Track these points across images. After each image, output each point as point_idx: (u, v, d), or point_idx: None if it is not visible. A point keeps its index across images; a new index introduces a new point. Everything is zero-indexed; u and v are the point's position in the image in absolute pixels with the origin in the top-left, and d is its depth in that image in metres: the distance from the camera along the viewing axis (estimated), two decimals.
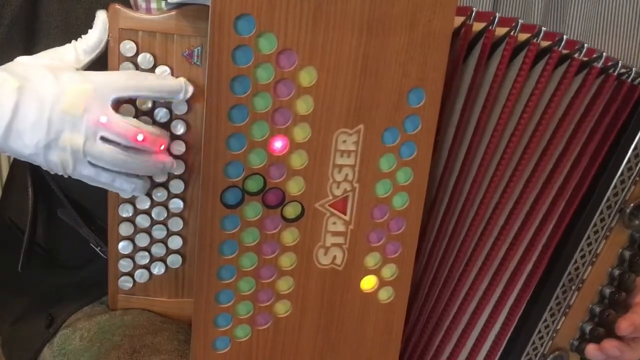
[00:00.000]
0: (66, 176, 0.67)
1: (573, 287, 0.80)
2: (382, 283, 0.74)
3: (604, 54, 0.73)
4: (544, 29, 0.72)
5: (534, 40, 0.72)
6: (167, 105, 0.72)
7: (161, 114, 0.72)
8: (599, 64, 0.73)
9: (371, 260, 0.73)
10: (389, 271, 0.73)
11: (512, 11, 1.07)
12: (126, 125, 0.65)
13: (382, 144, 0.68)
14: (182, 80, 0.69)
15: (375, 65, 0.65)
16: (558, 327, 0.82)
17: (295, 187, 0.68)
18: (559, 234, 0.79)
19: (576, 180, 0.78)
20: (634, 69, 0.74)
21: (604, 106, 0.75)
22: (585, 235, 0.78)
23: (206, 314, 0.71)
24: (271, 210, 0.68)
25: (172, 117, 0.72)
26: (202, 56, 0.71)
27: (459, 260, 0.80)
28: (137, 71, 0.71)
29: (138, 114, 0.71)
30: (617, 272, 0.81)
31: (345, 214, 0.70)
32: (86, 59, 0.68)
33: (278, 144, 0.66)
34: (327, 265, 0.72)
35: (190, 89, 0.70)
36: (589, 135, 0.76)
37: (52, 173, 0.66)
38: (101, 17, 0.69)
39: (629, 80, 0.74)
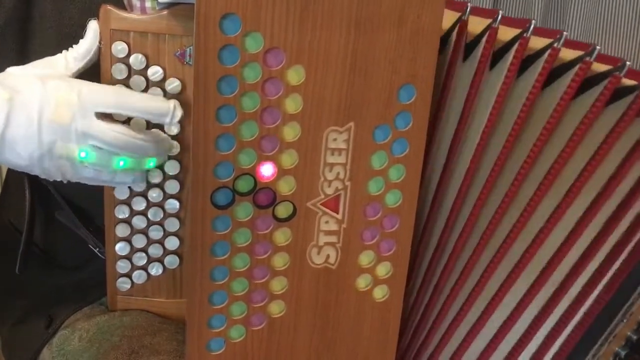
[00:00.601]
0: (65, 182, 0.67)
1: (624, 320, 0.79)
2: (376, 281, 0.73)
3: None
4: (598, 47, 0.61)
5: (588, 59, 0.61)
6: None
7: None
8: None
9: (365, 258, 0.72)
10: (383, 269, 0.73)
11: (512, 11, 1.06)
12: (115, 135, 0.64)
13: (373, 142, 0.68)
14: (171, 103, 0.66)
15: (364, 62, 0.64)
16: (600, 353, 0.82)
17: (286, 186, 0.68)
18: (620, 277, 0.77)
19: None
20: None
21: None
22: None
23: (200, 315, 0.70)
24: (262, 211, 0.68)
25: None
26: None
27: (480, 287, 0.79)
28: (125, 89, 0.70)
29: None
30: None
31: (337, 213, 0.70)
32: (76, 66, 0.68)
33: (267, 144, 0.66)
34: (320, 264, 0.71)
35: (179, 113, 0.66)
36: None
37: (51, 180, 0.67)
38: (92, 25, 0.69)
39: None
